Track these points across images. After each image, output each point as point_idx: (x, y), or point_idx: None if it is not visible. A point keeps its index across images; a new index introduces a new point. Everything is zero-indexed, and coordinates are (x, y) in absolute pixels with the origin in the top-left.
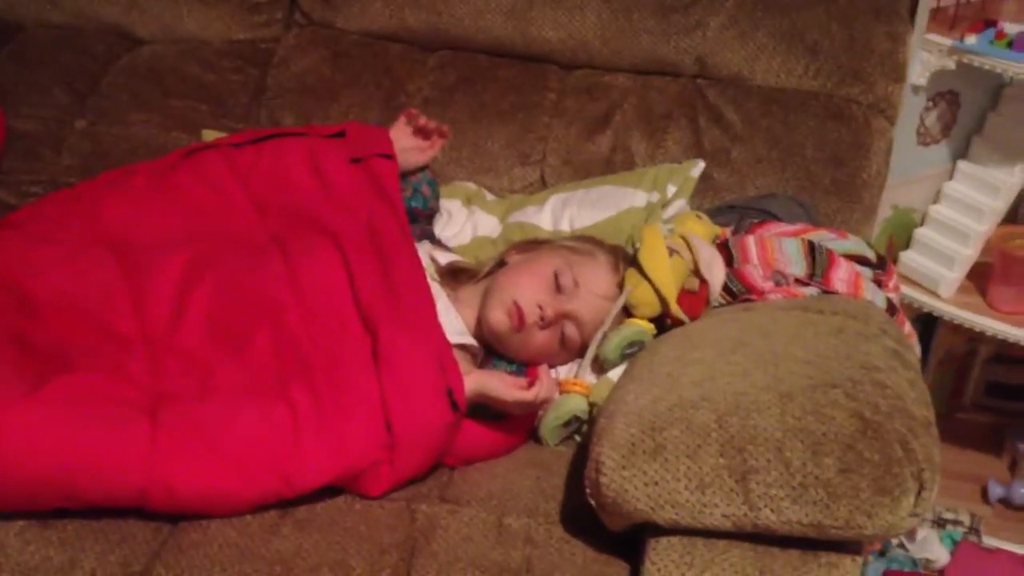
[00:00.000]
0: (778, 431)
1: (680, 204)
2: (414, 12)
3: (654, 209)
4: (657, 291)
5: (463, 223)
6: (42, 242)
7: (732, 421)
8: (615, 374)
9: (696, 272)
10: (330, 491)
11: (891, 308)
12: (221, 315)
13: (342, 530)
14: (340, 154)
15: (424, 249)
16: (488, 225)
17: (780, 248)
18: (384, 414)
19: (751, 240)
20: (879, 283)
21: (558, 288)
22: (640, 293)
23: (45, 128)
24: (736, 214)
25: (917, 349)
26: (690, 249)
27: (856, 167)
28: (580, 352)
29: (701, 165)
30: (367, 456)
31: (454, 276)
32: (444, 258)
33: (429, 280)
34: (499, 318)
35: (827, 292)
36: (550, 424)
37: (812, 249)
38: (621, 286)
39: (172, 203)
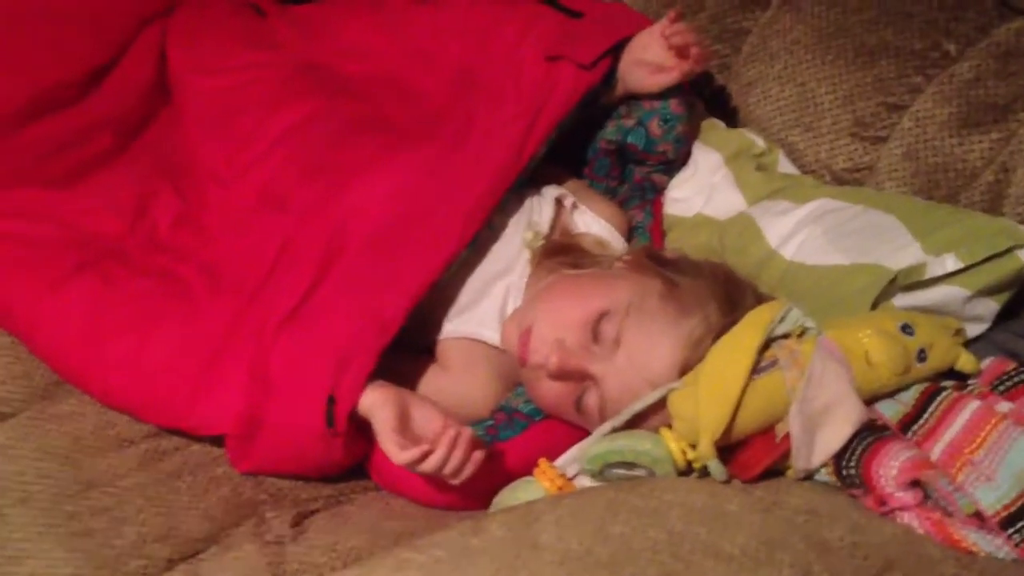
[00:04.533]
0: None
1: (946, 295)
2: None
3: (912, 278)
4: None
5: (702, 188)
6: None
7: None
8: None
9: None
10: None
11: None
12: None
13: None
14: (541, 43)
15: (544, 204)
16: (728, 203)
17: (1002, 443)
18: (263, 386)
19: (969, 408)
20: None
21: (595, 336)
22: (680, 401)
23: None
24: None
25: None
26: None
27: None
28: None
29: None
30: (223, 421)
31: (562, 254)
32: (584, 223)
33: (516, 250)
34: (511, 336)
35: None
36: (498, 509)
37: None
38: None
39: None
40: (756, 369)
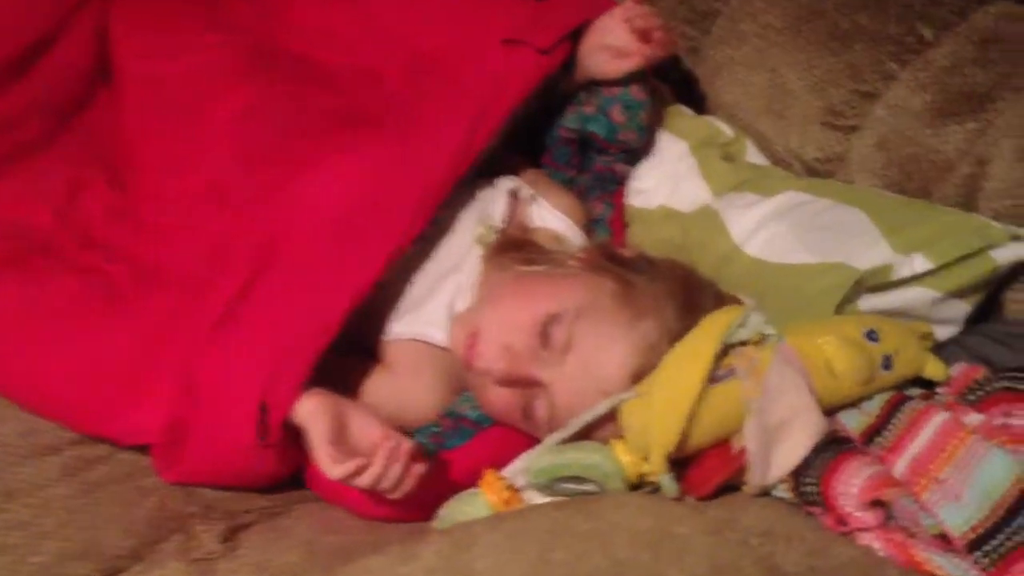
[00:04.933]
0: None
1: (914, 297)
2: None
3: (878, 279)
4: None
5: (665, 178)
6: None
7: None
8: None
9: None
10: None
11: None
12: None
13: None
14: (498, 26)
15: (497, 196)
16: (692, 194)
17: (971, 460)
18: (192, 393)
19: (935, 420)
20: None
21: (544, 340)
22: (631, 412)
23: None
24: (1007, 355)
25: None
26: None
27: None
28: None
29: None
30: (149, 430)
31: (515, 250)
32: (540, 216)
33: (467, 245)
34: (457, 339)
35: None
36: (439, 527)
37: None
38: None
39: None
40: (712, 378)
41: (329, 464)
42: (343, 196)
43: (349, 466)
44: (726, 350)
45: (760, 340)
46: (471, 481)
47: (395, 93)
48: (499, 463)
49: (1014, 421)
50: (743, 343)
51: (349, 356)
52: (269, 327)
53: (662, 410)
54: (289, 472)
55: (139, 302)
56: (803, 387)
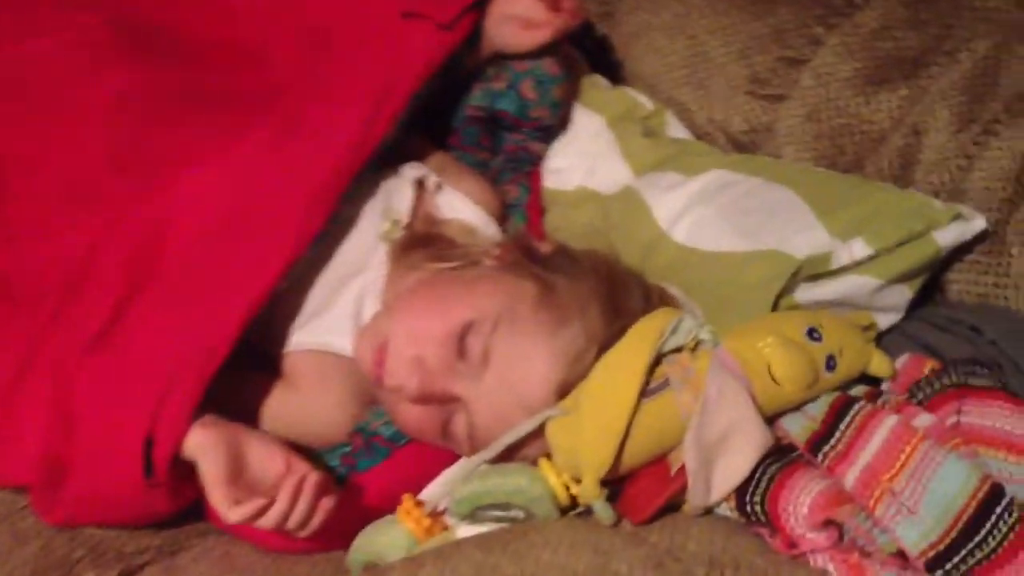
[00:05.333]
0: None
1: (854, 286)
2: None
3: (817, 268)
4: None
5: (583, 156)
6: None
7: None
8: (469, 534)
9: None
10: None
11: None
12: None
13: None
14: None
15: (402, 186)
16: (612, 174)
17: (924, 469)
18: (66, 427)
19: (885, 426)
20: None
21: (460, 352)
22: (559, 432)
23: None
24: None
25: None
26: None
27: None
28: (476, 450)
29: (978, 224)
30: (20, 469)
31: (425, 246)
32: (450, 206)
33: (371, 243)
34: (363, 353)
35: None
36: (354, 559)
37: (992, 501)
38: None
39: None
40: (645, 392)
41: (226, 507)
42: (229, 195)
43: (248, 508)
44: (658, 359)
45: (695, 346)
46: (388, 504)
47: (283, 74)
48: (418, 483)
49: (967, 419)
50: (676, 350)
51: (246, 371)
52: (150, 350)
53: (593, 431)
54: (185, 505)
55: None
56: (744, 398)
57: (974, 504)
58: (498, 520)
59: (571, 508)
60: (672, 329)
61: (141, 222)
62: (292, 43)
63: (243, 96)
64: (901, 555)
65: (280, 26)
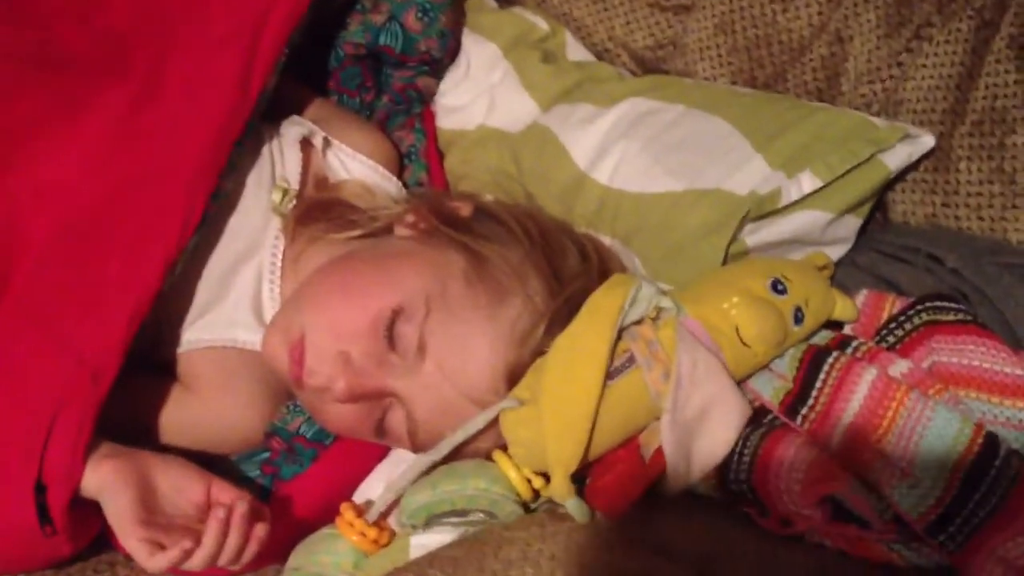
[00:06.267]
0: None
1: (805, 222)
2: None
3: (765, 208)
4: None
5: (480, 90)
6: None
7: None
8: (425, 543)
9: None
10: None
11: None
12: None
13: None
14: None
15: (287, 148)
16: (516, 109)
17: (913, 425)
18: None
19: (864, 379)
20: None
21: (391, 343)
22: (517, 425)
23: None
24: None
25: None
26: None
27: None
28: (419, 446)
29: (926, 141)
30: None
31: (323, 215)
32: (342, 165)
33: (262, 218)
34: (276, 350)
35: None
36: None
37: (989, 453)
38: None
39: None
40: (609, 373)
41: (144, 554)
42: (88, 181)
43: (172, 554)
44: (619, 333)
45: (656, 315)
46: (323, 514)
47: (132, 28)
48: (352, 485)
49: (940, 358)
50: (637, 321)
51: (138, 377)
52: (23, 379)
53: (556, 424)
54: (89, 541)
55: None
56: (718, 368)
57: (970, 458)
58: (456, 526)
59: (533, 501)
60: (631, 300)
61: None
62: None
63: (86, 56)
64: (900, 520)
65: None
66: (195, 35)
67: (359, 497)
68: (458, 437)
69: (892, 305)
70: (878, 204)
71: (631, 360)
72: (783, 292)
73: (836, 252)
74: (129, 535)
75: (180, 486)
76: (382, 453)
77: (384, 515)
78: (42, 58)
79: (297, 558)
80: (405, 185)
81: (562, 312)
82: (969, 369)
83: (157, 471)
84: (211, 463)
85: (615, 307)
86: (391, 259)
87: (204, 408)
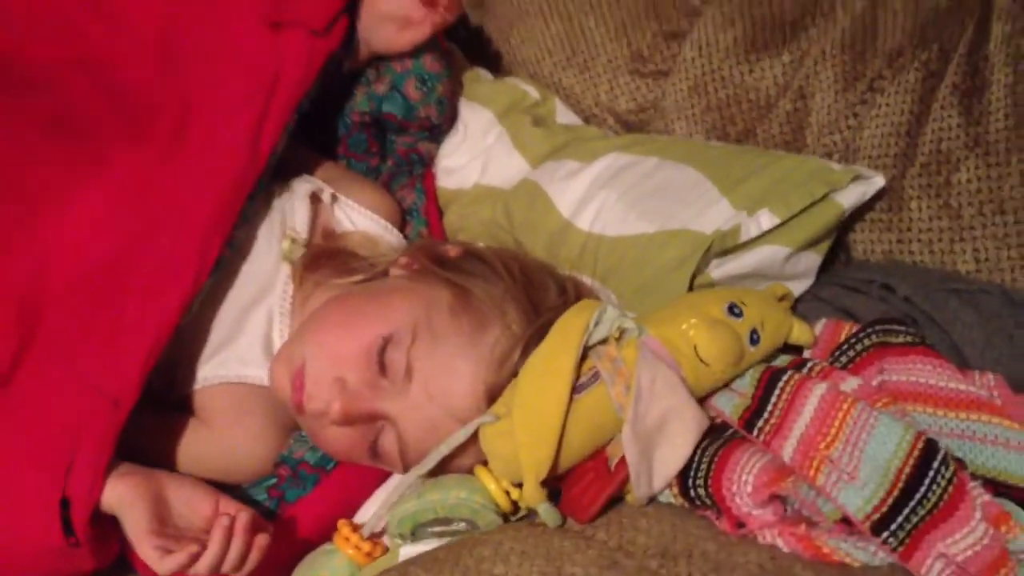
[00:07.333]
0: None
1: (765, 256)
2: None
3: (727, 243)
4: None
5: (476, 153)
6: None
7: None
8: (412, 554)
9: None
10: None
11: None
12: None
13: None
14: (256, 6)
15: (296, 202)
16: (508, 168)
17: (859, 433)
18: None
19: (815, 394)
20: None
21: (381, 368)
22: (494, 439)
23: None
24: (867, 304)
25: None
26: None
27: None
28: (409, 466)
29: (877, 181)
30: None
31: (328, 262)
32: (348, 218)
33: (272, 265)
34: (280, 381)
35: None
36: None
37: (928, 458)
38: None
39: None
40: (576, 388)
41: (156, 559)
42: (111, 233)
43: (180, 557)
44: (585, 352)
45: (620, 335)
46: (324, 533)
47: (153, 95)
48: (350, 506)
49: (890, 376)
50: (602, 342)
51: (158, 413)
52: (51, 405)
53: (527, 434)
54: (112, 558)
55: None
56: (676, 382)
57: (911, 462)
58: (440, 536)
59: (513, 513)
60: (595, 321)
61: (16, 267)
62: (153, 60)
63: (107, 122)
64: (847, 521)
65: (129, 40)
66: (212, 100)
67: (358, 520)
68: (443, 450)
69: (849, 331)
70: (840, 244)
71: (596, 376)
72: (739, 315)
73: (799, 287)
74: (144, 543)
75: (191, 501)
76: (379, 478)
77: (379, 535)
78: (56, 126)
79: (299, 573)
80: (406, 238)
81: (537, 337)
82: (916, 386)
83: (170, 488)
84: (221, 488)
85: (580, 327)
86: (384, 294)
87: (218, 441)
